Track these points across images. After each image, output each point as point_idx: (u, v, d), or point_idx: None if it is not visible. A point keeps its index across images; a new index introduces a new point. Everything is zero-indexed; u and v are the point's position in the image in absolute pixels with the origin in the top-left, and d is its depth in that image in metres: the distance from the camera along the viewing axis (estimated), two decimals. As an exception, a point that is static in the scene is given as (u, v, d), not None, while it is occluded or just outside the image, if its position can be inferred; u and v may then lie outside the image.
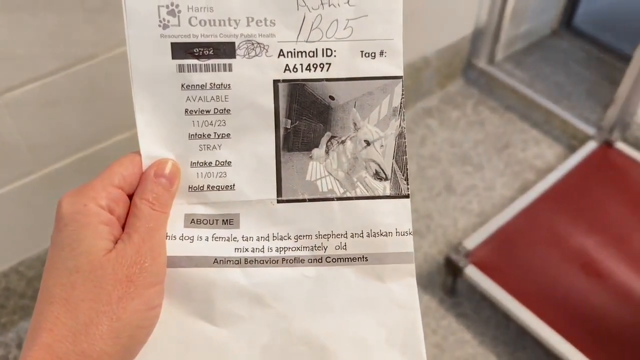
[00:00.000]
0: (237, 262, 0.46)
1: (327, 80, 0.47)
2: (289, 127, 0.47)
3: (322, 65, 0.46)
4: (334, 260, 0.47)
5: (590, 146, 1.93)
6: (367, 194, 0.48)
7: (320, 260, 0.47)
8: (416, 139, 2.16)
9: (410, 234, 0.47)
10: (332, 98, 0.47)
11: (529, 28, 2.33)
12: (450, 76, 2.35)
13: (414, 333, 0.46)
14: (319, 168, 0.47)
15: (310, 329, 0.46)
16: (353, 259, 0.47)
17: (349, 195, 0.48)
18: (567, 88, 2.21)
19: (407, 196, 0.48)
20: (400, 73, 0.47)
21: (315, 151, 0.48)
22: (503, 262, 1.60)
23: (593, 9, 2.44)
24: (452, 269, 1.57)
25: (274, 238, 0.47)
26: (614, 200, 1.77)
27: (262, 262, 0.47)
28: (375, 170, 0.48)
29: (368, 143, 0.48)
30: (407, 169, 0.48)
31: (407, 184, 0.48)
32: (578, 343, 1.41)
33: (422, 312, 0.47)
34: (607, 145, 1.93)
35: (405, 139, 0.48)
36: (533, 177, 1.99)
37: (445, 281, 1.63)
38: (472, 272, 1.53)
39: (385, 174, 0.48)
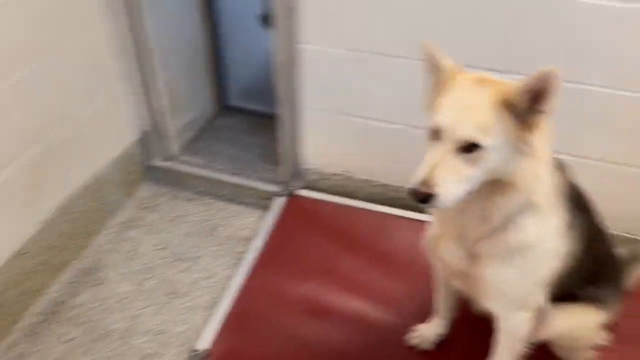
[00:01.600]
0: None
1: None
2: None
3: None
4: None
5: (279, 202, 2.11)
6: None
7: None
8: (122, 257, 2.06)
9: None
10: None
11: (192, 117, 2.46)
12: (135, 183, 2.32)
13: None
14: None
15: None
16: None
17: None
18: (243, 158, 2.40)
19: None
20: None
21: None
22: (245, 344, 1.61)
23: (242, 84, 2.72)
24: (199, 376, 1.51)
25: None
26: (315, 240, 1.96)
27: None
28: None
29: None
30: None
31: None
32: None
33: None
34: (291, 196, 2.14)
35: None
36: (244, 248, 2.07)
37: (200, 390, 1.56)
38: (218, 369, 1.49)
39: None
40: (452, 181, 1.00)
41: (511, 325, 1.35)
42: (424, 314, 1.64)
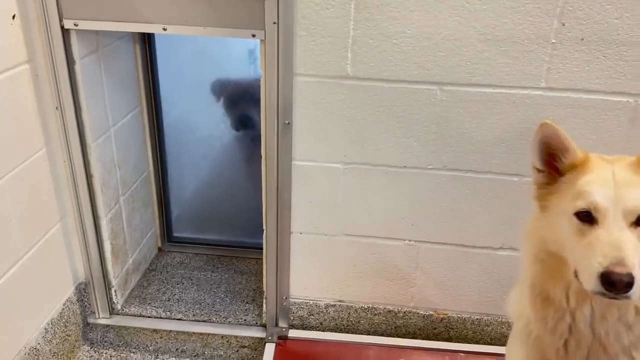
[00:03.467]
0: None
1: None
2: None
3: None
4: None
5: (270, 350, 1.74)
6: None
7: None
8: None
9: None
10: None
11: (135, 260, 2.04)
12: (72, 350, 1.81)
13: None
14: None
15: None
16: None
17: None
18: (208, 300, 2.00)
19: None
20: None
21: None
22: None
23: (186, 215, 2.37)
24: None
25: None
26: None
27: None
28: None
29: None
30: None
31: None
32: None
33: None
34: (282, 339, 1.78)
35: None
36: (235, 418, 1.64)
37: None
38: None
39: None
40: (638, 262, 0.86)
41: None
42: None
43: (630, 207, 0.89)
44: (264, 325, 1.85)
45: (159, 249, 2.26)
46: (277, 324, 1.82)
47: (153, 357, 1.88)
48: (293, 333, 1.81)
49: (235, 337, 1.86)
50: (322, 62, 1.47)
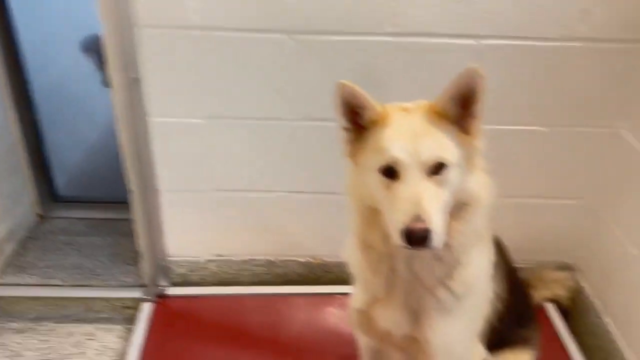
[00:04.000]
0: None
1: None
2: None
3: None
4: None
5: (147, 309, 1.74)
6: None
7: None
8: None
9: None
10: None
11: (8, 227, 1.96)
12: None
13: None
14: None
15: None
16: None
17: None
18: (88, 264, 1.96)
19: None
20: None
21: None
22: None
23: (68, 178, 2.29)
24: None
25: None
26: (199, 347, 1.62)
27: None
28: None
29: None
30: None
31: None
32: None
33: None
34: (161, 298, 1.78)
35: None
36: (112, 378, 1.64)
37: None
38: None
39: None
40: (438, 210, 0.90)
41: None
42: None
43: (426, 157, 0.91)
44: (145, 286, 1.84)
45: (40, 216, 2.18)
46: (156, 284, 1.82)
47: (34, 324, 1.84)
48: (173, 291, 1.81)
49: (118, 299, 1.84)
50: (166, 11, 1.41)
